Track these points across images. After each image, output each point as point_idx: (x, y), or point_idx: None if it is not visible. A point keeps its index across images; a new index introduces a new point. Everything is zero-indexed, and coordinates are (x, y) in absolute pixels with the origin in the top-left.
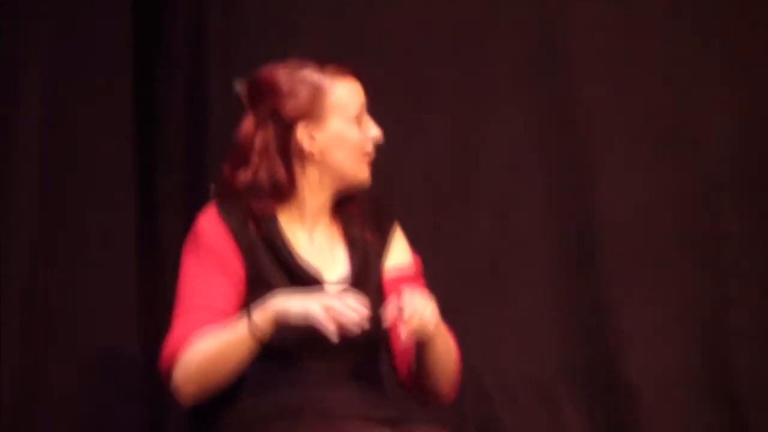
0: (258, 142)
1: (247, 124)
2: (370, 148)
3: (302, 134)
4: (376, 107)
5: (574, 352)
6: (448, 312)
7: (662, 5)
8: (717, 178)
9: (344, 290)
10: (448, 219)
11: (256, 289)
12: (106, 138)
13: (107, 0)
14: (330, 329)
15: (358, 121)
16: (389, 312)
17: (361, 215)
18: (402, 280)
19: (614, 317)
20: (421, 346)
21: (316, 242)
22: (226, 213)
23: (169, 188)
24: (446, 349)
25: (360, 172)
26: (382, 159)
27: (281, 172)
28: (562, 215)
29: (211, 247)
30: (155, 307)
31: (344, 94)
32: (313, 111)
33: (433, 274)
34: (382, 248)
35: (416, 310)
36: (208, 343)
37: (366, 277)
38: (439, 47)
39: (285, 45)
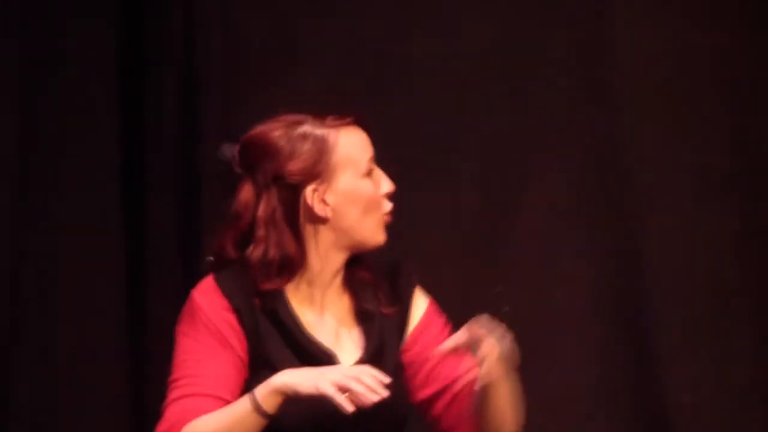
0: (262, 211)
1: (246, 191)
2: (388, 206)
3: (312, 197)
4: (393, 153)
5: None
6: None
7: (721, 37)
8: None
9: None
10: (477, 283)
11: (260, 372)
12: (94, 205)
13: (92, 50)
14: (342, 400)
15: (369, 174)
16: (451, 342)
17: (375, 284)
18: (426, 336)
19: (671, 394)
20: (486, 393)
21: (327, 319)
22: (226, 288)
23: (158, 257)
24: (513, 399)
25: (377, 232)
26: (403, 216)
27: (292, 245)
28: (610, 278)
29: (210, 325)
30: (145, 395)
31: (352, 147)
32: (320, 170)
33: None
34: (402, 321)
35: (490, 342)
36: (208, 423)
37: (381, 357)
38: (469, 84)
39: (286, 89)
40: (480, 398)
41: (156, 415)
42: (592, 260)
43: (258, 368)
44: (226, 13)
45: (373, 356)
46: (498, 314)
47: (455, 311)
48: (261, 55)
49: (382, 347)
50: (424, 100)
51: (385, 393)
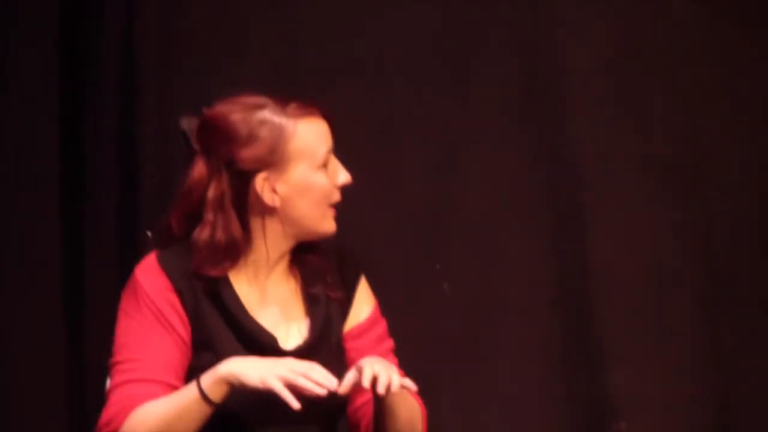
0: (212, 194)
1: (198, 169)
2: (337, 196)
3: (262, 186)
4: (342, 144)
5: (565, 420)
6: (419, 377)
7: (665, 34)
8: (720, 218)
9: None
10: (424, 271)
11: (201, 354)
12: (33, 181)
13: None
14: (289, 395)
15: (325, 165)
16: (347, 381)
17: (323, 267)
18: (364, 340)
19: (609, 376)
20: (381, 411)
21: (270, 300)
22: (169, 268)
23: (98, 231)
24: (410, 417)
25: (325, 222)
26: (349, 203)
27: (238, 230)
28: (552, 266)
29: (152, 307)
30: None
31: (310, 138)
32: (274, 159)
33: (405, 335)
34: (346, 306)
35: (377, 377)
36: (155, 411)
37: (327, 341)
38: (416, 75)
39: (232, 73)
40: (379, 415)
41: (95, 395)
42: (534, 249)
43: (200, 350)
44: (165, 7)
45: (318, 339)
46: (440, 292)
47: (399, 295)
48: (201, 51)
49: (328, 330)
50: (369, 90)
51: (333, 386)
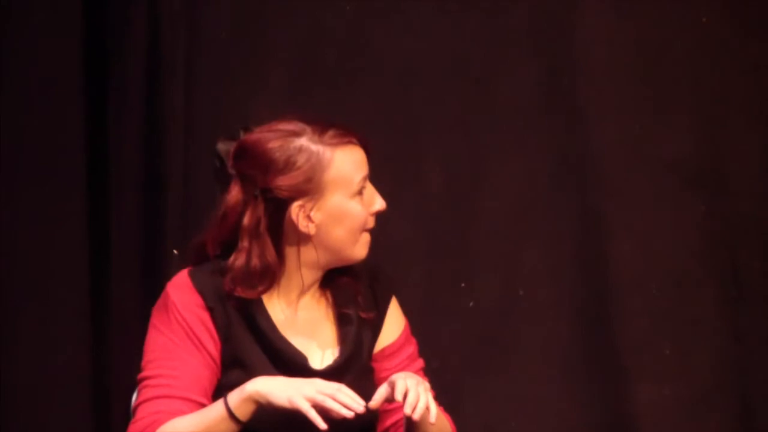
0: (247, 221)
1: (234, 195)
2: (371, 223)
3: (297, 214)
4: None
5: (587, 423)
6: (442, 387)
7: (683, 41)
8: (741, 225)
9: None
10: (444, 278)
11: (230, 371)
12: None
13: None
14: (316, 416)
15: (360, 192)
16: (378, 395)
17: (354, 288)
18: (394, 360)
19: (630, 384)
20: (413, 427)
21: (301, 321)
22: (201, 285)
23: (123, 249)
24: (440, 426)
25: (358, 248)
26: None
27: (273, 257)
28: (574, 274)
29: (184, 324)
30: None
31: (346, 166)
32: (310, 188)
33: (426, 343)
34: (377, 326)
35: (409, 393)
36: (182, 427)
37: (357, 362)
38: (436, 86)
39: (254, 91)
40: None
41: (118, 403)
42: (557, 256)
43: (229, 367)
44: (191, 5)
45: (348, 359)
46: (464, 309)
47: (422, 309)
48: (226, 48)
49: (358, 351)
50: (388, 100)
51: (360, 409)
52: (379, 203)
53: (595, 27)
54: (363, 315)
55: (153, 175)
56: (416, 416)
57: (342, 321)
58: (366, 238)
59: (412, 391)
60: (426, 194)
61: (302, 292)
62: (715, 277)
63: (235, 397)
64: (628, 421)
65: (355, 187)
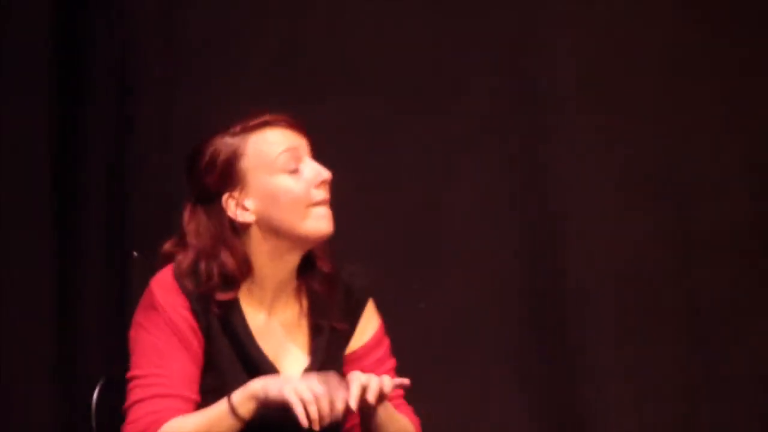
0: (192, 227)
1: (185, 208)
2: (317, 196)
3: (229, 206)
4: (332, 155)
5: (543, 423)
6: (412, 381)
7: (651, 42)
8: (703, 235)
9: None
10: (398, 281)
11: (206, 374)
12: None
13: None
14: (300, 412)
15: (289, 168)
16: (353, 397)
17: (329, 299)
18: (365, 361)
19: (585, 386)
20: (368, 421)
21: (276, 323)
22: (186, 287)
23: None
24: (398, 427)
25: (310, 222)
26: (338, 215)
27: (227, 257)
28: (528, 277)
29: (170, 324)
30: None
31: (262, 147)
32: (231, 178)
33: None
34: (349, 334)
35: (362, 387)
36: (187, 426)
37: (327, 369)
38: (402, 83)
39: (224, 89)
40: (367, 420)
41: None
42: (515, 259)
43: (205, 370)
44: (164, 11)
45: (319, 368)
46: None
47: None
48: (199, 55)
49: (329, 363)
50: (357, 99)
51: (339, 415)
52: (321, 173)
53: (561, 32)
54: (336, 326)
55: (118, 176)
56: (371, 397)
57: (315, 332)
58: (319, 211)
59: (363, 380)
60: (390, 199)
61: (278, 290)
62: (673, 285)
63: (238, 395)
64: (580, 424)
65: (278, 164)
